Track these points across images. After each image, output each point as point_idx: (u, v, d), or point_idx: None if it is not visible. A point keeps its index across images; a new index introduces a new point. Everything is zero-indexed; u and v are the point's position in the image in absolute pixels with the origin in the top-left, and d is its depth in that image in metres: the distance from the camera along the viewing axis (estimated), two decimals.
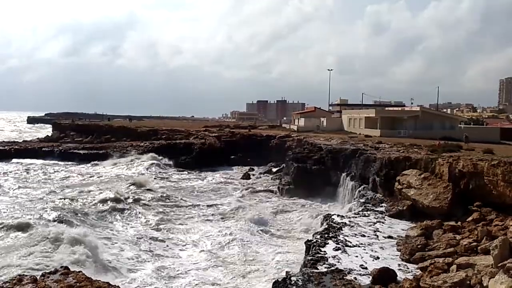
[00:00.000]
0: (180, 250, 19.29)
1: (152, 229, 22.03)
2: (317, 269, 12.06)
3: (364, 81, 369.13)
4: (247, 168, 44.75)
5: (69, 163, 47.54)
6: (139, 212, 24.85)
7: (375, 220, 18.01)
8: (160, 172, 42.74)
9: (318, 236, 15.38)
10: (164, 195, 30.04)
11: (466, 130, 47.46)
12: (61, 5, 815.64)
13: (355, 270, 12.04)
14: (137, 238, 20.30)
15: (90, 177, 38.69)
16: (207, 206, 27.90)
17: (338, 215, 19.10)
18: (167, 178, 39.71)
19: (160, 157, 47.61)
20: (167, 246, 19.70)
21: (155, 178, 38.00)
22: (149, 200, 28.13)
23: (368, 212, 19.54)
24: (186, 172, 43.16)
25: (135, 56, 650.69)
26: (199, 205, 28.12)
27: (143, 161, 46.20)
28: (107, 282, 10.01)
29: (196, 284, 15.31)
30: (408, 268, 12.41)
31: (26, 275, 9.97)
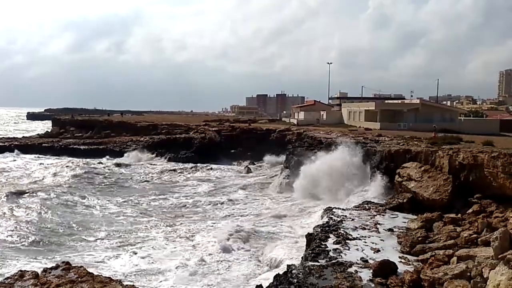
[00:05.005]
0: None
1: None
2: (318, 262, 12.08)
3: (365, 74, 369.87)
4: (247, 162, 44.81)
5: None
6: None
7: (375, 213, 18.05)
8: None
9: (319, 230, 15.39)
10: None
11: (466, 122, 47.55)
12: (67, 2, 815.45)
13: (356, 263, 12.06)
14: None
15: None
16: None
17: (338, 208, 19.15)
18: None
19: None
20: None
21: None
22: None
23: (369, 205, 19.58)
24: None
25: (140, 51, 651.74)
26: None
27: None
28: (109, 277, 10.02)
29: None
30: (408, 261, 12.42)
31: (28, 271, 9.98)
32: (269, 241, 19.18)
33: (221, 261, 17.02)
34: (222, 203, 28.04)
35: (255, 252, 18.06)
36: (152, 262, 17.00)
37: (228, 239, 19.20)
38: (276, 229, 21.22)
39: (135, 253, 18.07)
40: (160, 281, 15.27)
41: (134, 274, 15.75)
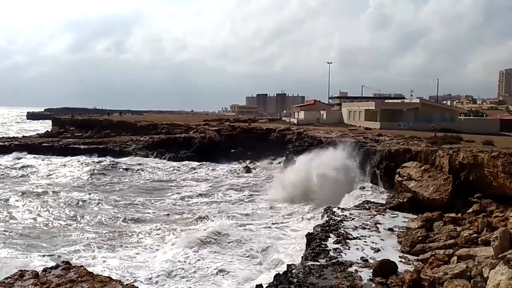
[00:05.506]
0: None
1: None
2: (318, 261, 12.08)
3: (365, 74, 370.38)
4: (248, 161, 44.78)
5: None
6: None
7: (375, 213, 18.05)
8: None
9: (319, 229, 15.39)
10: None
11: (466, 122, 47.53)
12: (67, 2, 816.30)
13: (356, 262, 12.07)
14: None
15: None
16: None
17: (338, 208, 19.14)
18: None
19: None
20: None
21: None
22: None
23: (369, 205, 19.59)
24: None
25: (140, 51, 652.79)
26: None
27: None
28: (109, 277, 10.01)
29: None
30: (409, 260, 12.43)
31: (28, 270, 9.96)
32: (265, 242, 19.14)
33: (215, 261, 16.96)
34: (219, 203, 28.00)
35: (249, 252, 18.01)
36: (146, 261, 17.04)
37: (223, 239, 19.21)
38: (273, 230, 21.20)
39: (130, 252, 18.17)
40: (153, 279, 15.29)
41: (130, 273, 15.78)
